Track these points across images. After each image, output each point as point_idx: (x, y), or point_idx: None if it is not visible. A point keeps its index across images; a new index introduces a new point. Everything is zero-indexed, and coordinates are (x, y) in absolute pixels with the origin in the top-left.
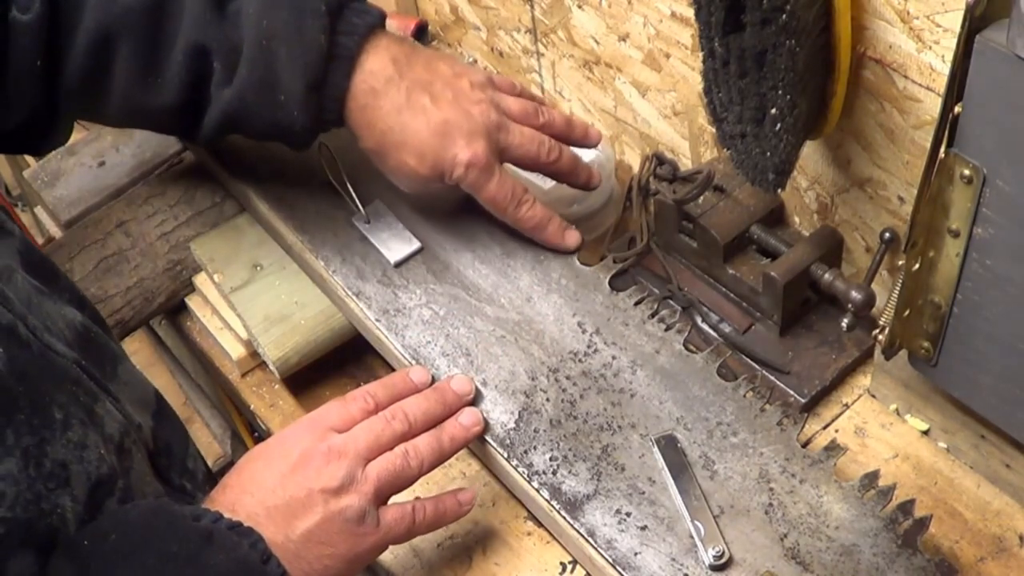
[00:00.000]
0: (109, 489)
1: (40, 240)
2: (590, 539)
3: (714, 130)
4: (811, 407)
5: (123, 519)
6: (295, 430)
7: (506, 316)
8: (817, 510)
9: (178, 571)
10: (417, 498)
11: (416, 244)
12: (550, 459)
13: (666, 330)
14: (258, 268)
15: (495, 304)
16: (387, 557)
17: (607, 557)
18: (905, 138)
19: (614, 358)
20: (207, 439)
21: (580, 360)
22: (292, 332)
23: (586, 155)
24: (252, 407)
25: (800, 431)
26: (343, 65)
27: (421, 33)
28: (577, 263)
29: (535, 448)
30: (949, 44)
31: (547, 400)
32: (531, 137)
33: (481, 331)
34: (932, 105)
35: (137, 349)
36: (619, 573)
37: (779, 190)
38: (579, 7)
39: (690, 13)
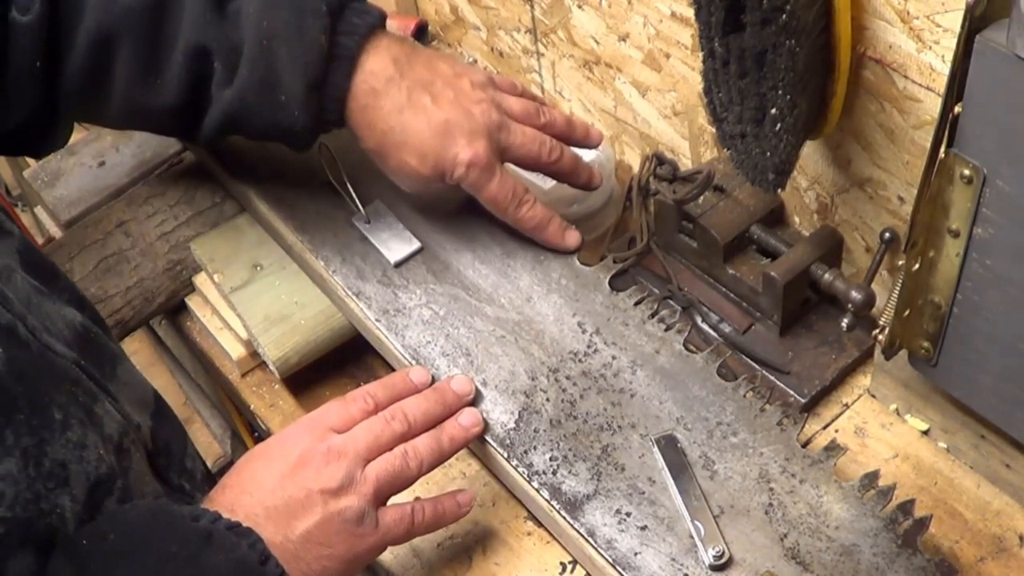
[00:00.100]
0: (108, 489)
1: (40, 240)
2: (590, 539)
3: (714, 130)
4: (811, 407)
5: (122, 519)
6: (295, 430)
7: (506, 316)
8: (817, 510)
9: (177, 571)
10: (417, 498)
11: (416, 244)
12: (550, 459)
13: (666, 330)
14: (258, 268)
15: (495, 304)
16: (387, 557)
17: (607, 557)
18: (905, 138)
19: (614, 358)
20: (207, 439)
21: (580, 360)
22: (292, 332)
23: (586, 155)
24: (252, 407)
25: (800, 431)
26: (344, 65)
27: (421, 33)
28: (577, 263)
29: (535, 448)
30: (949, 44)
31: (547, 400)
32: (532, 137)
33: (481, 331)
34: (932, 105)
35: (137, 349)
36: (619, 573)
37: (779, 190)
38: (579, 7)
39: (690, 13)
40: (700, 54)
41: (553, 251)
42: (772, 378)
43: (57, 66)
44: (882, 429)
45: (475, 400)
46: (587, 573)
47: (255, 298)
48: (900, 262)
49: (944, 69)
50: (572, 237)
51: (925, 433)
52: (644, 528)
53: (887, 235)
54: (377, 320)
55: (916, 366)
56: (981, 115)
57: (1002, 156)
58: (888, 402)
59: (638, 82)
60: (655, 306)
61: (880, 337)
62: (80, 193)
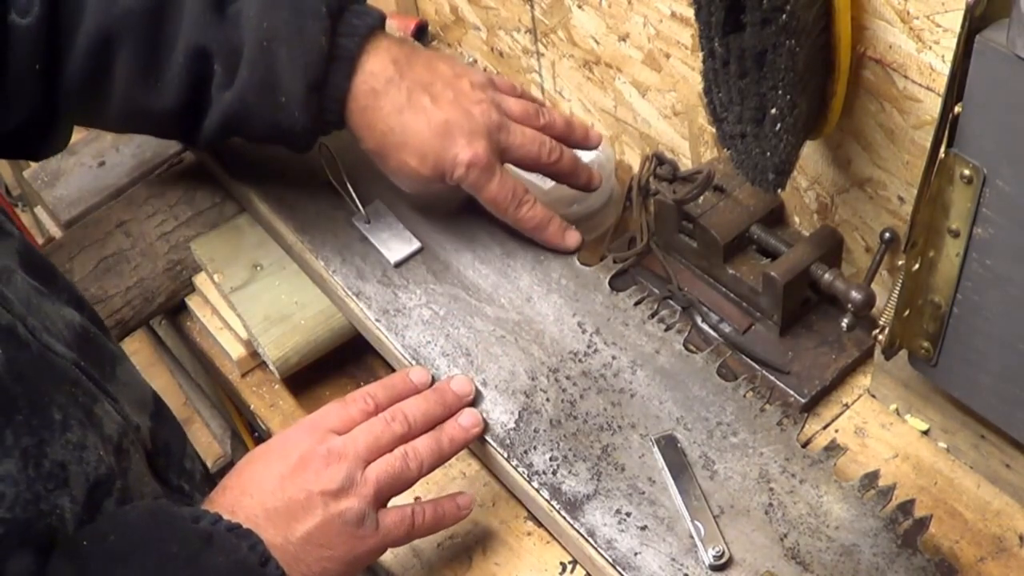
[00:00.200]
0: (107, 490)
1: (40, 240)
2: (590, 539)
3: (714, 130)
4: (811, 407)
5: (122, 520)
6: (295, 432)
7: (506, 316)
8: (817, 510)
9: (177, 572)
10: (417, 498)
11: (416, 244)
12: (550, 459)
13: (666, 330)
14: (258, 268)
15: (495, 304)
16: (387, 557)
17: (607, 557)
18: (905, 138)
19: (614, 358)
20: (207, 439)
21: (580, 360)
22: (292, 332)
23: (586, 155)
24: (252, 407)
25: (800, 431)
26: (344, 66)
27: (421, 33)
28: (577, 263)
29: (535, 448)
30: (949, 44)
31: (547, 400)
32: (532, 138)
33: (481, 331)
34: (932, 105)
35: (137, 349)
36: (619, 573)
37: (779, 190)
38: (579, 7)
39: (690, 13)
40: (700, 54)
41: (553, 251)
42: (772, 378)
43: (56, 68)
44: (882, 429)
45: (475, 400)
46: (587, 573)
47: (255, 298)
48: (900, 262)
49: (944, 69)
50: (572, 237)
51: (925, 433)
52: (644, 528)
53: (887, 235)
54: (377, 320)
55: (916, 366)
56: (981, 115)
57: (1002, 156)
58: (888, 402)
59: (638, 82)
60: (655, 306)
61: (880, 337)
62: (80, 193)
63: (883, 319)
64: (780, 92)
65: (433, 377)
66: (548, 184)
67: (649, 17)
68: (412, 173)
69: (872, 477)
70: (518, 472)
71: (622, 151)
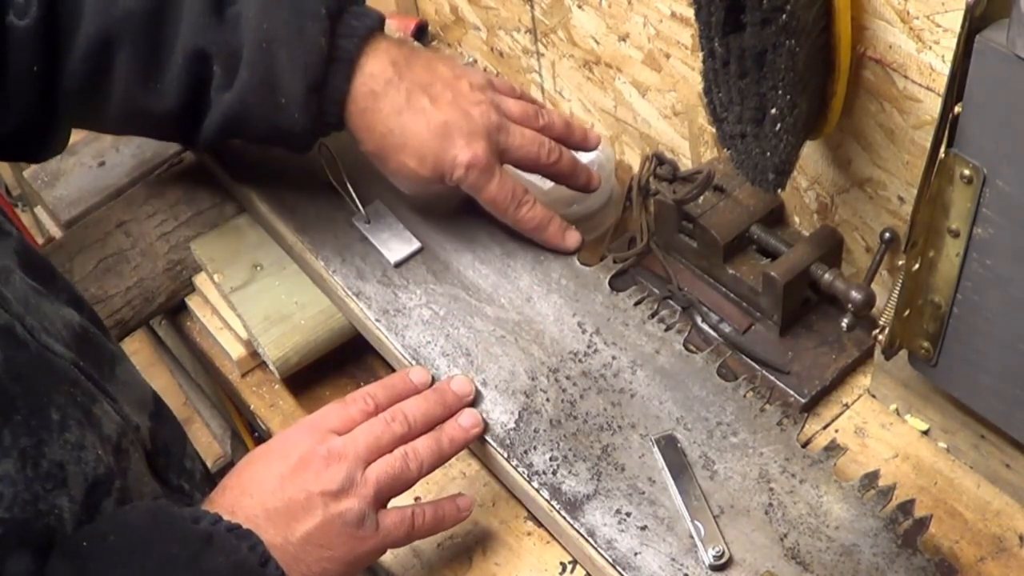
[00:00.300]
0: (106, 490)
1: (40, 240)
2: (590, 539)
3: (714, 130)
4: (811, 407)
5: (122, 520)
6: (295, 432)
7: (506, 316)
8: (817, 510)
9: (177, 573)
10: (417, 499)
11: (416, 244)
12: (550, 459)
13: (666, 330)
14: (258, 268)
15: (495, 304)
16: (387, 557)
17: (607, 557)
18: (905, 138)
19: (614, 358)
20: (207, 439)
21: (580, 360)
22: (292, 332)
23: (586, 155)
24: (252, 407)
25: (800, 431)
26: (343, 68)
27: (421, 33)
28: (577, 263)
29: (535, 448)
30: (949, 44)
31: (547, 400)
32: (531, 139)
33: (481, 331)
34: (932, 105)
35: (137, 349)
36: (619, 573)
37: (779, 190)
38: (579, 7)
39: (690, 13)
40: (700, 54)
41: (553, 251)
42: (772, 378)
43: (55, 70)
44: (882, 429)
45: (475, 400)
46: (587, 573)
47: (255, 298)
48: (900, 262)
49: (944, 69)
50: (572, 237)
51: (925, 433)
52: (644, 528)
53: (887, 235)
54: (377, 320)
55: (916, 366)
56: (981, 115)
57: (1002, 156)
58: (888, 402)
59: (638, 82)
60: (655, 306)
61: (880, 337)
62: (80, 193)
63: (883, 319)
64: (780, 92)
65: (433, 377)
66: (548, 184)
67: (649, 17)
68: (411, 174)
69: (872, 477)
70: (518, 472)
71: (622, 151)
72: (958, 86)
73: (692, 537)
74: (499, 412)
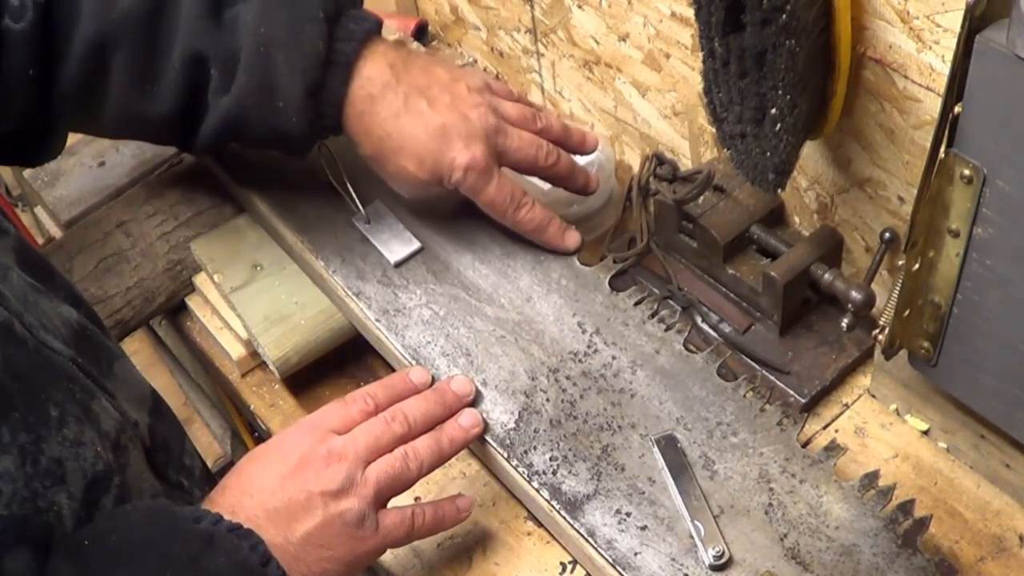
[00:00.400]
0: (105, 486)
1: (40, 240)
2: (590, 539)
3: (714, 130)
4: (811, 407)
5: (124, 520)
6: (295, 432)
7: (506, 316)
8: (817, 510)
9: (178, 573)
10: (417, 499)
11: (416, 244)
12: (550, 459)
13: (666, 330)
14: (258, 268)
15: (495, 304)
16: (387, 557)
17: (607, 557)
18: (905, 138)
19: (614, 358)
20: (207, 439)
21: (580, 360)
22: (292, 332)
23: (586, 155)
24: (252, 407)
25: (800, 431)
26: (341, 71)
27: (421, 33)
28: (577, 263)
29: (535, 448)
30: (949, 44)
31: (547, 400)
32: (529, 141)
33: (481, 331)
34: (932, 105)
35: (137, 349)
36: (619, 573)
37: (779, 190)
38: (579, 7)
39: (690, 13)
40: (700, 54)
41: (553, 252)
42: (772, 378)
43: (51, 74)
44: (882, 429)
45: (475, 400)
46: (587, 573)
47: (255, 298)
48: (900, 262)
49: (944, 69)
50: (572, 238)
51: (925, 433)
52: (644, 528)
53: (887, 235)
54: (377, 320)
55: (916, 366)
56: (981, 115)
57: (1002, 156)
58: (888, 402)
59: (638, 82)
60: (655, 306)
61: (880, 337)
62: (80, 193)
63: (883, 319)
64: (780, 92)
65: (433, 377)
66: (547, 185)
67: (649, 17)
68: (410, 177)
69: (872, 477)
70: (518, 472)
71: (622, 151)
72: (958, 86)
73: (692, 537)
74: (499, 412)
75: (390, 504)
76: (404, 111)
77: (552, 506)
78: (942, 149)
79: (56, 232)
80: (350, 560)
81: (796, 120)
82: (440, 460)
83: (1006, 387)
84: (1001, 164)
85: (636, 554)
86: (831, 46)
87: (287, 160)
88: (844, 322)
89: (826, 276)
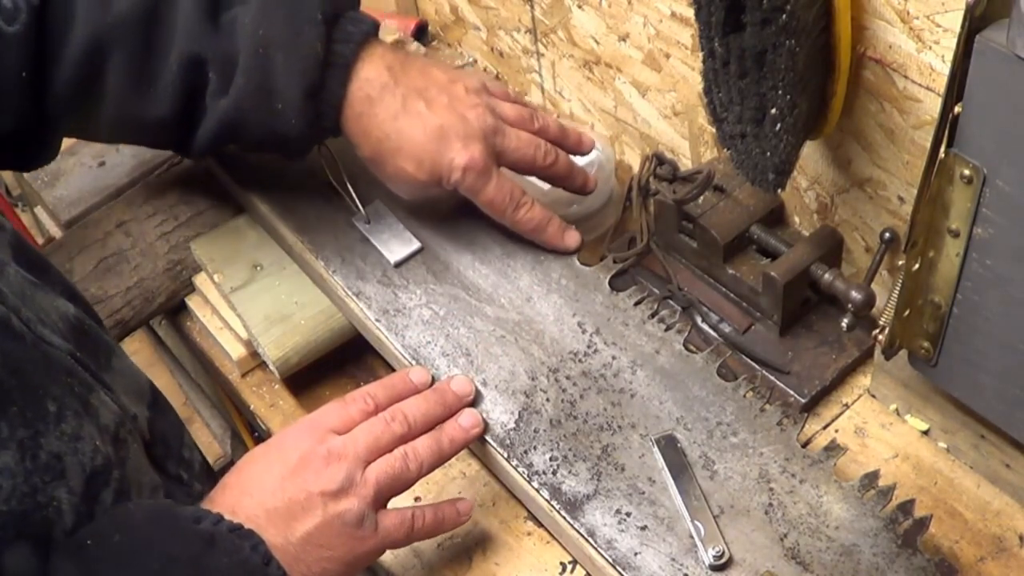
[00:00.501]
0: (105, 480)
1: (40, 240)
2: (590, 539)
3: (714, 130)
4: (811, 407)
5: (125, 520)
6: (294, 432)
7: (506, 316)
8: (817, 510)
9: (181, 574)
10: (417, 499)
11: (416, 244)
12: (550, 459)
13: (666, 330)
14: (258, 268)
15: (495, 304)
16: (387, 557)
17: (607, 557)
18: (905, 138)
19: (614, 358)
20: (207, 439)
21: (580, 360)
22: (292, 332)
23: (587, 155)
24: (252, 407)
25: (800, 431)
26: (339, 73)
27: (421, 33)
28: (577, 263)
29: (535, 448)
30: (949, 44)
31: (547, 400)
32: (528, 141)
33: (481, 331)
34: (932, 105)
35: (137, 349)
36: (619, 573)
37: (779, 190)
38: (579, 7)
39: (690, 13)
40: (700, 54)
41: (553, 251)
42: (772, 378)
43: (45, 77)
44: (882, 429)
45: (475, 400)
46: (587, 573)
47: (255, 298)
48: (900, 262)
49: (944, 69)
50: (572, 238)
51: (925, 433)
52: (644, 528)
53: (887, 235)
54: (377, 320)
55: (916, 366)
56: (981, 115)
57: (1002, 156)
58: (888, 402)
59: (638, 82)
60: (655, 306)
61: (880, 337)
62: (80, 193)
63: (883, 319)
64: (780, 92)
65: (433, 377)
66: (547, 185)
67: (649, 17)
68: (409, 179)
69: (872, 477)
70: (518, 472)
71: (622, 151)
72: (958, 86)
73: (692, 537)
74: (499, 412)
75: (390, 504)
76: (402, 112)
77: (552, 506)
78: (942, 149)
79: (56, 232)
80: (349, 560)
81: (796, 120)
82: (440, 460)
83: (1006, 387)
84: (1001, 164)
85: (636, 554)
86: (831, 46)
87: (287, 160)
88: (844, 322)
89: (826, 276)
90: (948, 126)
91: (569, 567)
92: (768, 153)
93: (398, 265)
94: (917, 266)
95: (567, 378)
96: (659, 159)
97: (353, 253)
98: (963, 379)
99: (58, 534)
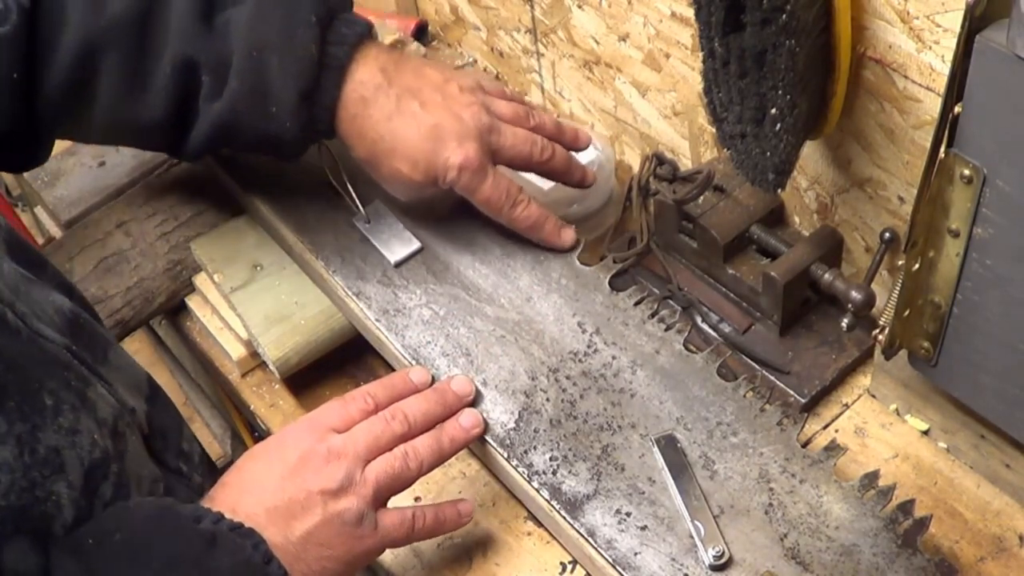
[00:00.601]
0: (104, 474)
1: (40, 240)
2: (590, 539)
3: (714, 130)
4: (811, 407)
5: (127, 519)
6: (294, 430)
7: (506, 316)
8: (817, 510)
9: (183, 573)
10: (416, 499)
11: (416, 244)
12: (550, 459)
13: (666, 330)
14: (258, 268)
15: (495, 304)
16: (387, 557)
17: (607, 557)
18: (905, 138)
19: (614, 358)
20: (207, 439)
21: (580, 360)
22: (292, 332)
23: (586, 155)
24: (252, 407)
25: (800, 431)
26: (333, 75)
27: (421, 33)
28: (577, 263)
29: (535, 448)
30: (949, 44)
31: (547, 400)
32: (523, 137)
33: (481, 331)
34: (932, 105)
35: (137, 349)
36: (619, 573)
37: (779, 190)
38: (579, 7)
39: (690, 13)
40: (700, 54)
41: (553, 251)
42: (772, 378)
43: (37, 79)
44: (882, 429)
45: (475, 400)
46: (587, 573)
47: (255, 298)
48: (900, 262)
49: (944, 69)
50: (568, 235)
51: (925, 433)
52: (644, 528)
53: (887, 235)
54: (377, 320)
55: (916, 366)
56: (981, 115)
57: (1002, 156)
58: (888, 402)
59: (638, 82)
60: (655, 306)
61: (880, 337)
62: (80, 193)
63: (883, 319)
64: (780, 92)
65: (433, 377)
66: (548, 185)
67: (649, 17)
68: (405, 179)
69: (872, 477)
70: (518, 472)
71: (622, 151)
72: (958, 86)
73: (692, 537)
74: (499, 412)
75: (390, 504)
76: (396, 113)
77: (552, 506)
78: (942, 149)
79: (56, 232)
80: (349, 559)
81: (796, 120)
82: (440, 459)
83: (1006, 387)
84: (1001, 164)
85: (636, 554)
86: (831, 46)
87: (282, 162)
88: (844, 322)
89: (826, 276)
90: (948, 126)
91: (569, 567)
92: (768, 153)
93: (398, 265)
94: (917, 266)
95: (567, 378)
96: (659, 159)
97: (353, 253)
98: (963, 379)
99: (58, 529)
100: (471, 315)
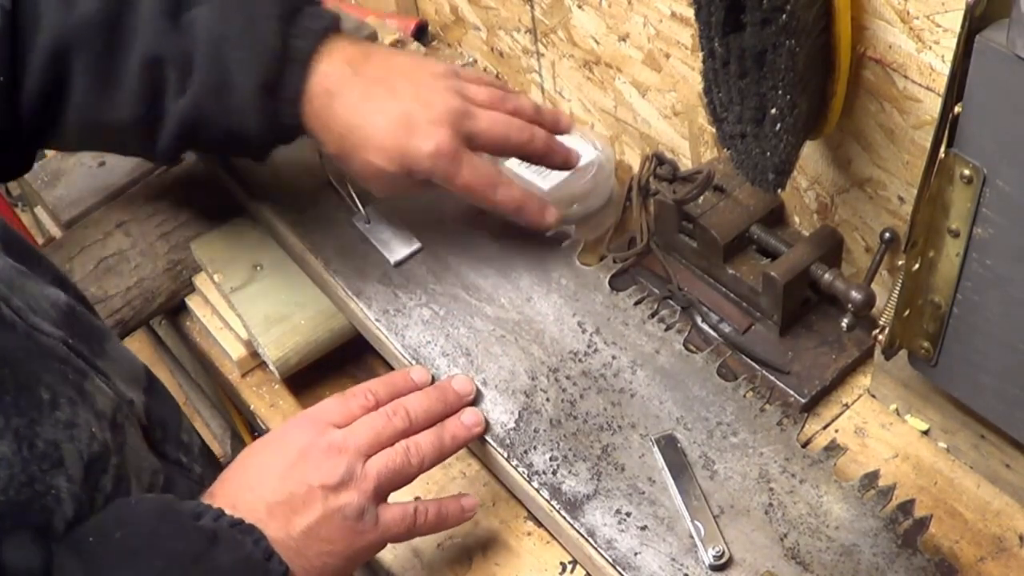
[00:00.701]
0: (103, 467)
1: (40, 240)
2: (590, 539)
3: (714, 130)
4: (811, 407)
5: (128, 517)
6: (294, 425)
7: (506, 316)
8: (817, 510)
9: (185, 571)
10: (417, 498)
11: (416, 244)
12: (550, 459)
13: (666, 330)
14: (258, 268)
15: (495, 304)
16: (387, 557)
17: (607, 557)
18: (905, 138)
19: (614, 358)
20: (207, 439)
21: (580, 360)
22: (292, 332)
23: (586, 155)
24: (252, 407)
25: (800, 431)
26: (297, 68)
27: (421, 33)
28: (577, 263)
29: (535, 448)
30: (949, 44)
31: (547, 400)
32: (500, 120)
33: (481, 331)
34: (932, 105)
35: (137, 349)
36: (619, 573)
37: (779, 190)
38: (579, 7)
39: (690, 13)
40: (700, 54)
41: (553, 251)
42: (772, 378)
43: (15, 85)
44: (882, 429)
45: (475, 400)
46: (587, 573)
47: (255, 298)
48: (900, 262)
49: (944, 69)
50: (551, 214)
51: (925, 433)
52: (644, 528)
53: (887, 235)
54: (377, 320)
55: (916, 366)
56: (981, 115)
57: (1002, 156)
58: (888, 402)
59: (638, 82)
60: (655, 306)
61: (880, 337)
62: (80, 193)
63: (883, 319)
64: (780, 92)
65: (433, 377)
66: (547, 185)
67: (649, 17)
68: (378, 172)
69: (872, 477)
70: (518, 472)
71: (622, 151)
72: (958, 86)
73: (692, 537)
74: (499, 412)
75: (391, 499)
76: (363, 103)
77: (552, 506)
78: (942, 149)
79: (56, 232)
80: (349, 554)
81: (796, 120)
82: (441, 456)
83: (1006, 387)
84: (1001, 164)
85: (636, 554)
86: (831, 46)
87: (287, 160)
88: (844, 322)
89: (826, 276)
90: (948, 126)
91: (569, 567)
92: (768, 153)
93: (398, 265)
94: (917, 266)
95: (567, 378)
96: (659, 159)
97: (353, 253)
98: (963, 379)
99: (58, 523)
100: (471, 315)
